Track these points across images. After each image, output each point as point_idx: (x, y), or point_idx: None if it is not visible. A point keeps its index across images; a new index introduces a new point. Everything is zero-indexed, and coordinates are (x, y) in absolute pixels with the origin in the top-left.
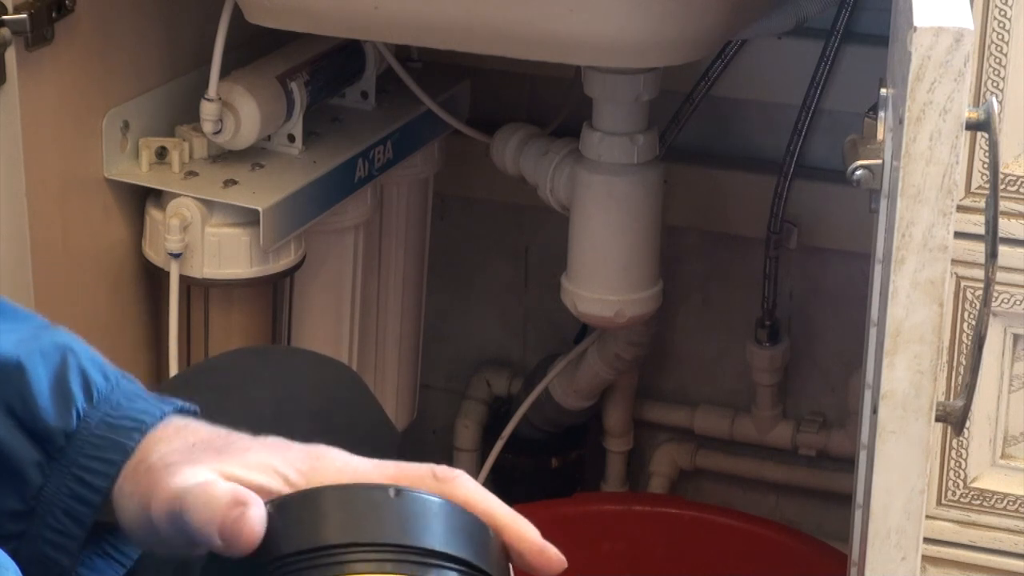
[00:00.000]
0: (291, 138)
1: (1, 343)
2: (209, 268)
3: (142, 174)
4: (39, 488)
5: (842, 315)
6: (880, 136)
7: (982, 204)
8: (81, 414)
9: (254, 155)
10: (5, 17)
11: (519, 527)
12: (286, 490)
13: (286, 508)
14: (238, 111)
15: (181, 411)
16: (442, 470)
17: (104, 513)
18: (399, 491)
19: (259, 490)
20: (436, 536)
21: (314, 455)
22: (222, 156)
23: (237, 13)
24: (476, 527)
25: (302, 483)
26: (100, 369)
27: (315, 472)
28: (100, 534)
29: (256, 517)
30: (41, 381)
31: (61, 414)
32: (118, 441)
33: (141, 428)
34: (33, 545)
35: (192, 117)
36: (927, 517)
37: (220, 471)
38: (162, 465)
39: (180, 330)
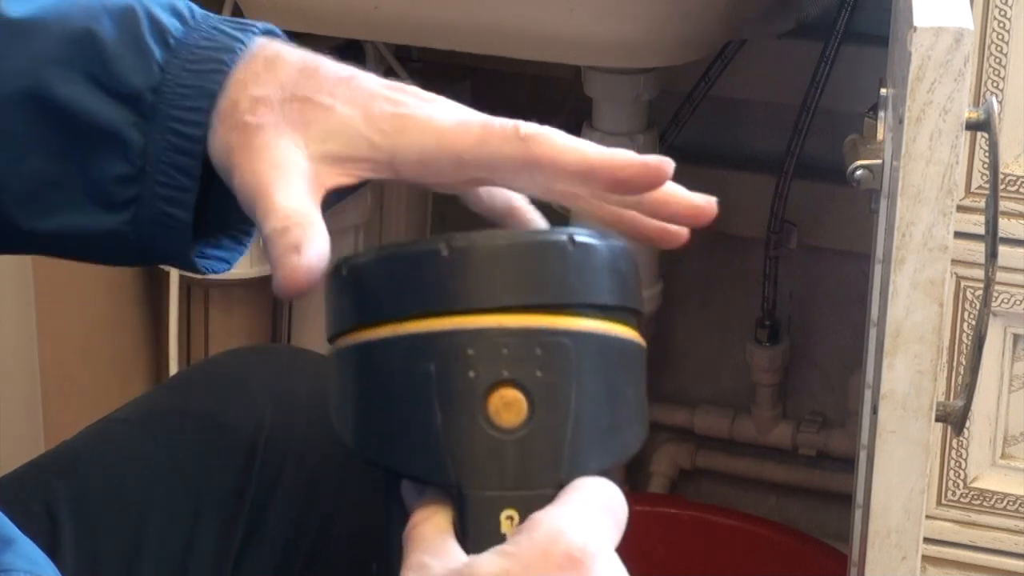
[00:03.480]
0: None
1: (68, 14)
2: None
3: None
4: (142, 148)
5: (842, 315)
6: (880, 136)
7: (982, 204)
8: (162, 66)
9: None
10: None
11: (611, 167)
12: (372, 156)
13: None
14: None
15: (265, 33)
16: (526, 129)
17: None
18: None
19: (345, 160)
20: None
21: (400, 116)
22: None
23: (237, 13)
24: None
25: (386, 146)
26: (172, 10)
27: (400, 134)
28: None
29: (305, 271)
30: (115, 42)
31: (144, 71)
32: (203, 87)
33: (223, 69)
34: (149, 206)
35: None
36: (927, 517)
37: (305, 152)
38: (253, 127)
39: (180, 330)
